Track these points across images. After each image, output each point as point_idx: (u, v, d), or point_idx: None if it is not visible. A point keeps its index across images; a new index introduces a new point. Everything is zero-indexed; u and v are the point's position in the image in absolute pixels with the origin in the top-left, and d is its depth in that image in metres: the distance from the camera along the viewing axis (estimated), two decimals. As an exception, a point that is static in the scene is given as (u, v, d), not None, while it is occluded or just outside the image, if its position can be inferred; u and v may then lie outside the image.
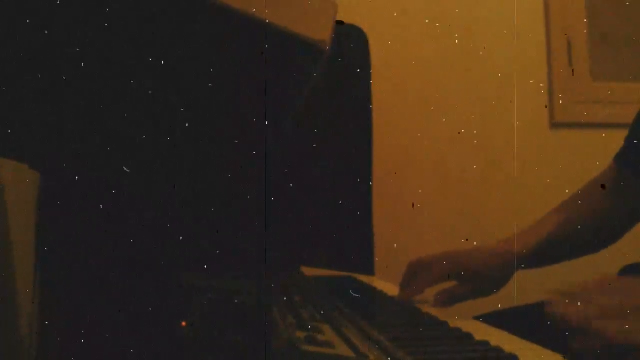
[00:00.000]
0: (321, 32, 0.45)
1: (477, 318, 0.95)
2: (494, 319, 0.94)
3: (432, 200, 1.99)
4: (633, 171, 1.08)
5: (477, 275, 1.02)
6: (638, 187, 1.08)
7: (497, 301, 1.14)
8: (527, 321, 1.00)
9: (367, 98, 1.71)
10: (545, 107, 2.05)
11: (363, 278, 1.28)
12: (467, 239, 1.83)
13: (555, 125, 2.07)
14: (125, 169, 0.51)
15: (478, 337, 0.64)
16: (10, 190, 0.71)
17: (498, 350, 0.59)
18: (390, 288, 1.05)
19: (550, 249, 1.09)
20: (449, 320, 0.74)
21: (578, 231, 1.11)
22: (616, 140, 1.12)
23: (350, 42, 1.69)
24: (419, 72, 1.99)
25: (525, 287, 1.05)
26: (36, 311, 0.57)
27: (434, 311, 0.83)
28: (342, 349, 0.53)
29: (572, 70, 2.05)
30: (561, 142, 2.06)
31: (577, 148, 2.03)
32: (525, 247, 1.06)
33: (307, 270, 1.26)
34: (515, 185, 2.02)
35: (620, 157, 1.11)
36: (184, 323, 0.49)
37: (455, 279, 1.02)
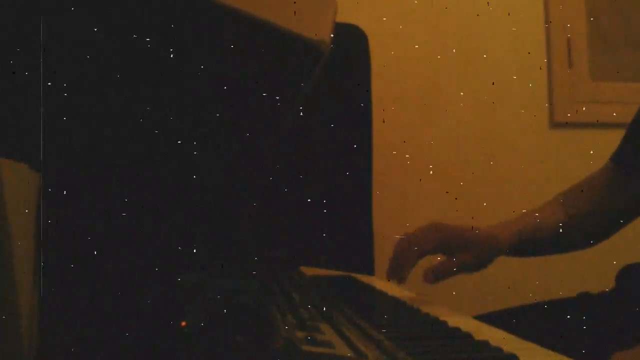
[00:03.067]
0: (321, 32, 0.45)
1: (477, 318, 0.95)
2: (494, 319, 0.94)
3: (432, 200, 1.99)
4: (629, 171, 1.08)
5: (462, 248, 1.00)
6: (633, 187, 1.08)
7: (498, 301, 1.14)
8: (527, 321, 1.00)
9: (367, 98, 1.71)
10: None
11: (363, 278, 1.28)
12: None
13: (555, 125, 2.07)
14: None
15: (478, 337, 0.64)
16: (10, 190, 0.71)
17: (498, 350, 0.59)
18: (390, 288, 1.05)
19: (536, 242, 1.09)
20: (449, 320, 0.74)
21: (568, 227, 1.11)
22: (616, 140, 1.13)
23: (350, 42, 1.69)
24: (419, 72, 2.00)
25: (525, 287, 1.05)
26: (36, 311, 0.57)
27: (434, 311, 0.83)
28: (342, 349, 0.53)
29: (571, 68, 2.05)
30: (561, 142, 2.06)
31: (577, 148, 2.03)
32: (511, 236, 1.05)
33: (307, 270, 1.26)
34: (515, 185, 2.02)
35: (617, 157, 1.11)
36: (184, 323, 0.49)
37: (443, 252, 1.01)
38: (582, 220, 1.11)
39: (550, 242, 1.11)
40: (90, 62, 0.46)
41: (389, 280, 0.99)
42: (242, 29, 0.43)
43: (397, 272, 0.97)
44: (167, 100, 0.49)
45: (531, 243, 1.08)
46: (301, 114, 0.54)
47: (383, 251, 1.73)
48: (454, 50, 2.02)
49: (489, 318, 0.95)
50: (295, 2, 0.44)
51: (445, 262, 0.99)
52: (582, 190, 1.14)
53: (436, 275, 0.97)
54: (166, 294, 0.54)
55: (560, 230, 1.10)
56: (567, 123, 2.07)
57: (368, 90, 1.71)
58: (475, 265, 1.01)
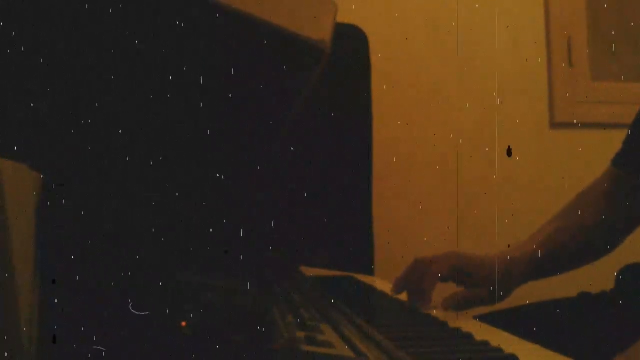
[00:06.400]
0: (321, 32, 0.45)
1: (477, 318, 0.95)
2: (494, 319, 0.94)
3: (432, 200, 1.99)
4: (632, 173, 1.07)
5: (483, 281, 0.99)
6: (637, 189, 1.07)
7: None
8: (527, 321, 1.00)
9: (367, 98, 1.71)
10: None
11: (363, 278, 1.28)
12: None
13: (555, 125, 2.07)
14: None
15: (478, 337, 0.64)
16: (10, 190, 0.71)
17: (498, 350, 0.59)
18: (390, 288, 1.05)
19: (551, 261, 1.07)
20: (449, 320, 0.74)
21: (578, 240, 1.09)
22: (616, 140, 1.12)
23: (350, 42, 1.69)
24: (419, 72, 1.99)
25: (525, 287, 1.05)
26: (36, 311, 0.57)
27: (434, 311, 0.83)
28: (342, 349, 0.53)
29: (572, 68, 2.05)
30: (561, 142, 2.06)
31: (577, 148, 2.03)
32: (525, 262, 1.04)
33: (307, 270, 1.26)
34: (515, 185, 2.02)
35: (619, 160, 1.10)
36: (184, 323, 0.49)
37: (460, 282, 0.99)
38: (590, 232, 1.09)
39: (562, 261, 1.09)
40: (91, 62, 0.46)
41: (411, 303, 0.97)
42: (242, 29, 0.43)
43: (420, 297, 0.94)
44: (166, 100, 0.49)
45: (543, 269, 1.06)
46: (301, 113, 0.54)
47: (383, 251, 1.73)
48: (454, 50, 2.02)
49: (489, 318, 0.95)
50: (295, 2, 0.44)
51: (464, 292, 0.97)
52: (584, 202, 1.12)
53: (455, 306, 0.95)
54: (166, 294, 0.54)
55: (570, 247, 1.08)
56: (567, 123, 2.07)
57: (368, 90, 1.71)
58: (492, 299, 1.00)
